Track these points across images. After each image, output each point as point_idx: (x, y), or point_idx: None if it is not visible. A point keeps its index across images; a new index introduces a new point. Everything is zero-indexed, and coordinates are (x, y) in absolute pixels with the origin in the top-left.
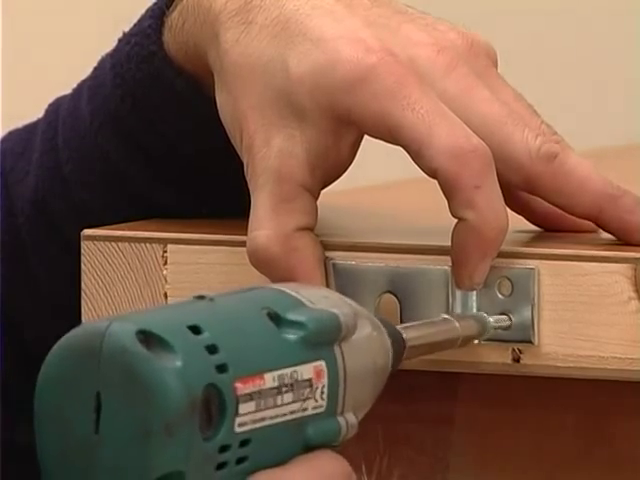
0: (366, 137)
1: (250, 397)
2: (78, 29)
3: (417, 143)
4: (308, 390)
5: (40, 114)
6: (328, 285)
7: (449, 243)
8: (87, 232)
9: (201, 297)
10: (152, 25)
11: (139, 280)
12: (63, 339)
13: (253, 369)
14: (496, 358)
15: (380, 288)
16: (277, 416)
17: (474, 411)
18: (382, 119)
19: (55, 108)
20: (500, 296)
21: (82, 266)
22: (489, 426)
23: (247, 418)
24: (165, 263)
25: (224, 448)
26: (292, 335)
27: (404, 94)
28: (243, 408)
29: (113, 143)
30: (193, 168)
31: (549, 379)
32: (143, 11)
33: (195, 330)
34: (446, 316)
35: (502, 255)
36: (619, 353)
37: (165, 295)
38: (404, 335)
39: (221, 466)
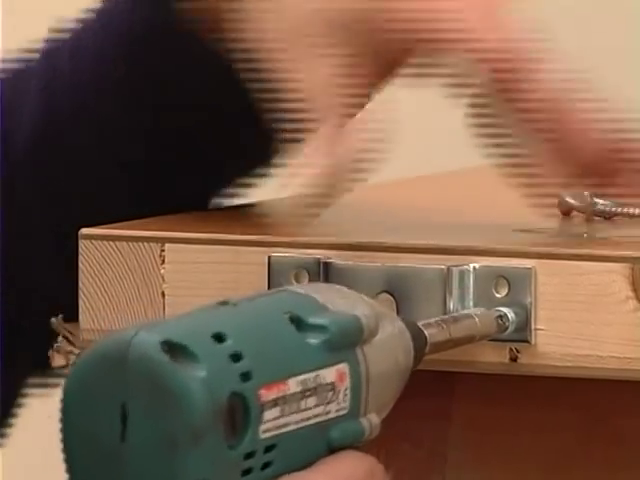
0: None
1: (274, 403)
2: None
3: None
4: (331, 393)
5: None
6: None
7: (446, 242)
8: (85, 231)
9: (224, 303)
10: None
11: (137, 279)
12: (88, 350)
13: (277, 375)
14: (493, 358)
15: (377, 287)
16: (301, 420)
17: (472, 406)
18: None
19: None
20: (497, 295)
21: (80, 265)
22: (487, 421)
23: (271, 424)
24: (163, 262)
25: (249, 455)
26: (314, 339)
27: None
28: (267, 415)
29: None
30: None
31: (547, 377)
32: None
33: (219, 338)
34: (467, 312)
35: (499, 254)
36: (617, 352)
37: (163, 294)
38: (426, 332)
39: (247, 472)
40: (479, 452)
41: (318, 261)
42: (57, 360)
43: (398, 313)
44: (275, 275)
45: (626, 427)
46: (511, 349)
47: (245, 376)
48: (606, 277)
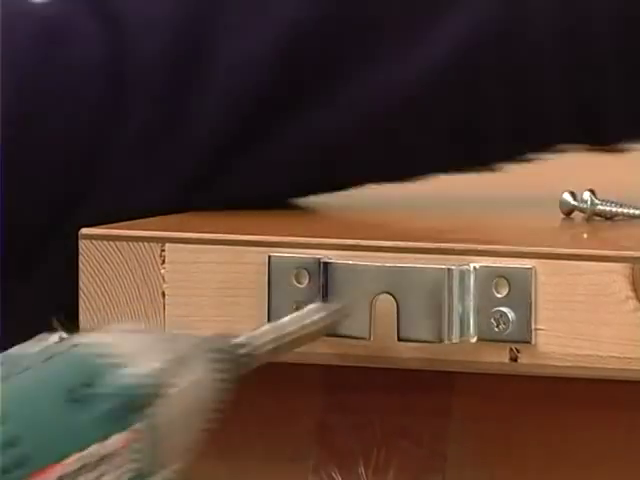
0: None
1: None
2: None
3: None
4: (119, 458)
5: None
6: (323, 285)
7: (446, 243)
8: (84, 231)
9: (7, 375)
10: None
11: (137, 279)
12: None
13: (52, 457)
14: (493, 358)
15: (377, 288)
16: None
17: (472, 403)
18: None
19: None
20: (497, 295)
21: (80, 265)
22: (487, 418)
23: None
24: (163, 262)
25: None
26: (90, 411)
27: None
28: None
29: None
30: None
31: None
32: None
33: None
34: (311, 306)
35: (499, 254)
36: (617, 352)
37: (163, 294)
38: (246, 349)
39: None
40: (479, 449)
41: (318, 261)
42: None
43: (398, 314)
44: (275, 275)
45: (626, 426)
46: (511, 349)
47: (17, 465)
48: (606, 277)
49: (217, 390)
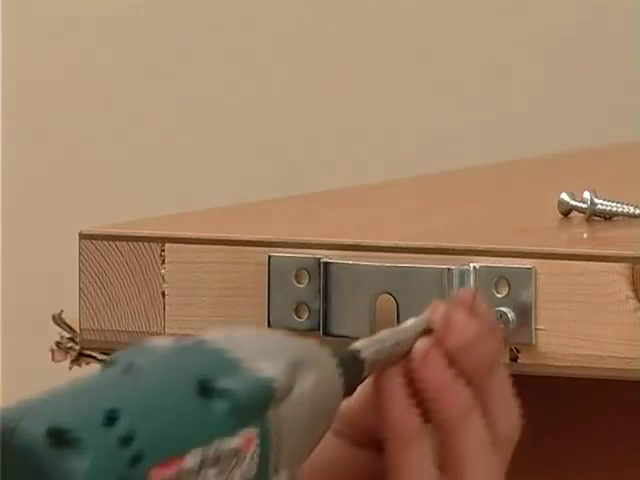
0: (364, 135)
1: None
2: (78, 30)
3: None
4: (235, 460)
5: (40, 117)
6: (323, 285)
7: (446, 242)
8: (84, 231)
9: (129, 368)
10: None
11: (137, 279)
12: None
13: (172, 451)
14: None
15: (377, 288)
16: None
17: None
18: None
19: None
20: (497, 295)
21: (79, 265)
22: None
23: None
24: (163, 262)
25: None
26: (220, 405)
27: None
28: None
29: None
30: None
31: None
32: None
33: (111, 418)
34: (413, 321)
35: (499, 254)
36: (617, 352)
37: (163, 294)
38: (362, 356)
39: None
40: None
41: (318, 261)
42: (57, 356)
43: (399, 314)
44: (275, 275)
45: (624, 425)
46: (511, 349)
47: (135, 460)
48: (606, 277)
49: (338, 394)
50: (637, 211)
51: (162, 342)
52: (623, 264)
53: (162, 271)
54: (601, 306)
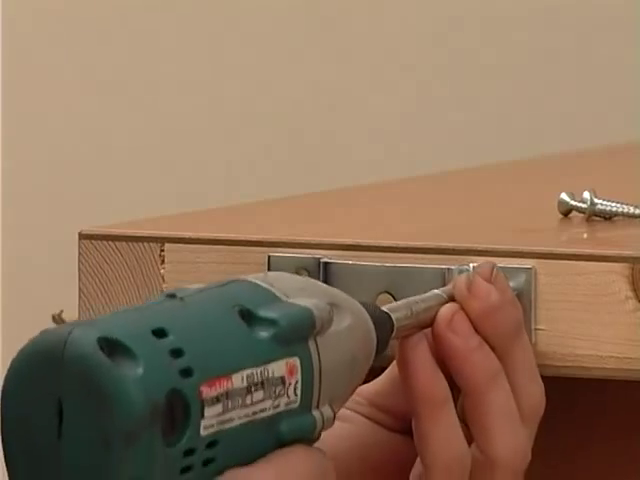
0: (363, 137)
1: (217, 399)
2: (78, 29)
3: None
4: (280, 387)
5: (40, 115)
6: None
7: (446, 243)
8: (84, 231)
9: (172, 296)
10: None
11: (136, 279)
12: (27, 344)
13: (220, 370)
14: None
15: (377, 288)
16: (247, 415)
17: None
18: None
19: None
20: None
21: (79, 265)
22: None
23: (213, 420)
24: (163, 262)
25: (189, 452)
26: (263, 332)
27: None
28: (209, 411)
29: None
30: None
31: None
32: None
33: (160, 334)
34: (437, 291)
35: (499, 254)
36: (617, 352)
37: None
38: (393, 317)
39: (186, 469)
40: None
41: (318, 261)
42: None
43: None
44: None
45: (623, 424)
46: None
47: (185, 372)
48: (606, 277)
49: (372, 345)
50: (637, 211)
51: (197, 285)
52: (623, 264)
53: (162, 271)
54: (601, 306)
